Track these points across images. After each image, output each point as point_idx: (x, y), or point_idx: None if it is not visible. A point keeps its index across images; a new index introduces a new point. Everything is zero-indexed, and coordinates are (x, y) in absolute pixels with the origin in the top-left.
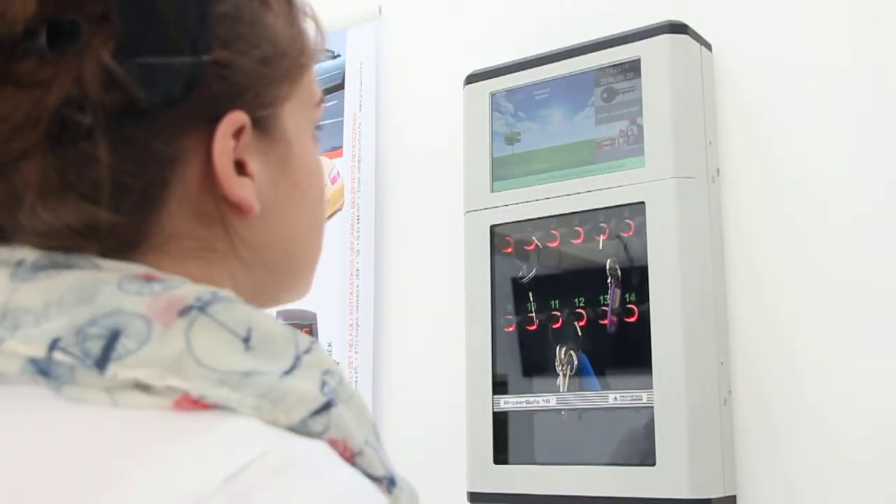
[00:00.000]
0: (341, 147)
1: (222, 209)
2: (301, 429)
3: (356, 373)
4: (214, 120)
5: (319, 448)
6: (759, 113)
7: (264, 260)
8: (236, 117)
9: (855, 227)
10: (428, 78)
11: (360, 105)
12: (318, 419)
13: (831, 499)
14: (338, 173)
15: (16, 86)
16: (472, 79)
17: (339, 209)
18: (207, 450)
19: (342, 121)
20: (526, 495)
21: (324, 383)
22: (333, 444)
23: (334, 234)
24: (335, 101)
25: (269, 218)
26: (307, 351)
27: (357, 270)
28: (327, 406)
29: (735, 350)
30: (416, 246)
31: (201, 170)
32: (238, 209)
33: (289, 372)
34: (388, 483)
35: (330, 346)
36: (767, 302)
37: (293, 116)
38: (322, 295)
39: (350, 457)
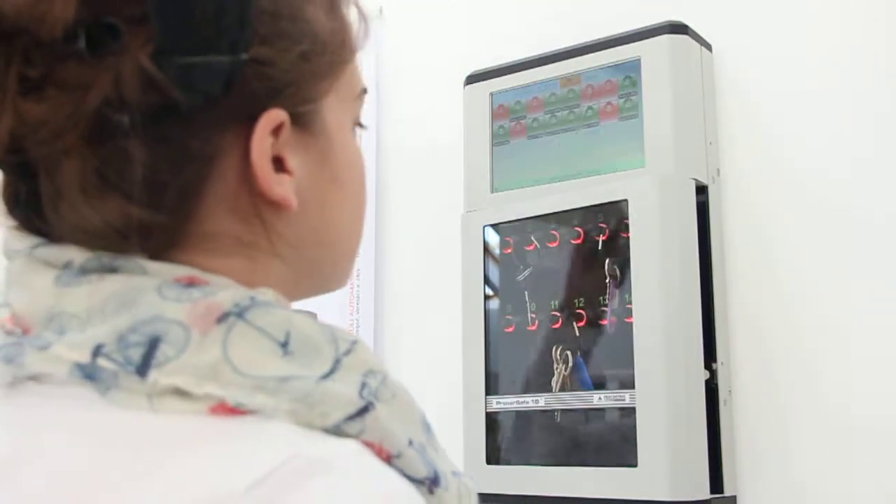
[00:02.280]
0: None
1: (260, 206)
2: (336, 432)
3: None
4: (253, 118)
5: (352, 448)
6: (760, 113)
7: (303, 254)
8: (275, 115)
9: (856, 226)
10: (428, 78)
11: None
12: (352, 424)
13: (832, 499)
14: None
15: (56, 88)
16: (472, 79)
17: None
18: (237, 453)
19: None
20: (512, 496)
21: (363, 385)
22: (369, 446)
23: None
24: None
25: (307, 213)
26: (347, 352)
27: (357, 270)
28: (364, 410)
29: (735, 350)
30: (416, 246)
31: (239, 167)
32: (276, 206)
33: (327, 376)
34: (430, 483)
35: None
36: (768, 302)
37: (333, 110)
38: (322, 295)
39: (387, 458)
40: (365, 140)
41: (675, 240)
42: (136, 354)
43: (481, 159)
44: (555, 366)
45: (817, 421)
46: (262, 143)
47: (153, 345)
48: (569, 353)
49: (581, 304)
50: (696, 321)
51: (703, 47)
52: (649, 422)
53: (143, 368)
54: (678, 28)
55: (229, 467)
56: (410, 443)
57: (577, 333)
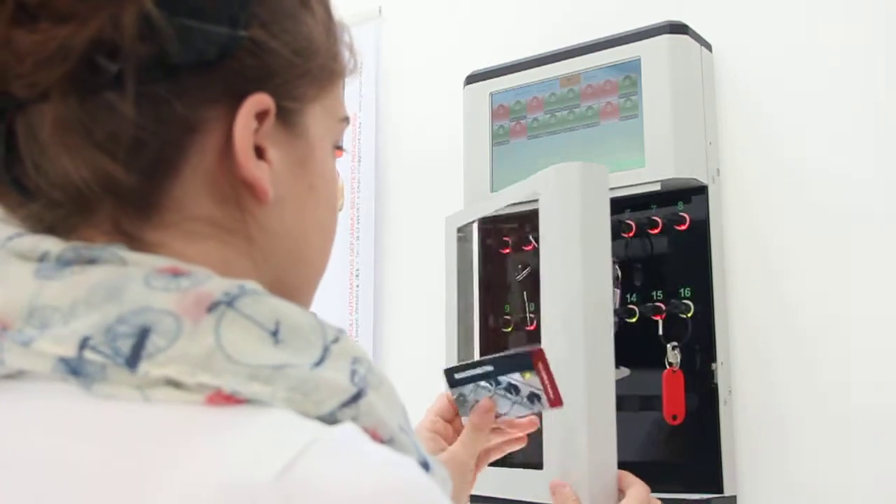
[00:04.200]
0: (341, 147)
1: (238, 190)
2: (330, 419)
3: None
4: (241, 97)
5: (356, 430)
6: (760, 113)
7: (279, 252)
8: (262, 99)
9: (855, 226)
10: (428, 78)
11: (360, 105)
12: (346, 410)
13: (831, 499)
14: (338, 173)
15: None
16: (472, 79)
17: (339, 209)
18: (255, 439)
19: None
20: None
21: (353, 372)
22: (364, 431)
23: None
24: None
25: (283, 209)
26: (335, 340)
27: (357, 270)
28: (357, 396)
29: (735, 350)
30: (415, 246)
31: (220, 146)
32: (253, 192)
33: (319, 363)
34: (422, 467)
35: None
36: (768, 302)
37: (317, 121)
38: (322, 295)
39: (380, 443)
40: (365, 140)
41: (578, 235)
42: (126, 346)
43: (481, 159)
44: None
45: (817, 421)
46: (246, 120)
47: (143, 335)
48: None
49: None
50: (606, 324)
51: (703, 47)
52: (555, 425)
53: (133, 360)
54: (678, 28)
55: (249, 455)
56: (400, 428)
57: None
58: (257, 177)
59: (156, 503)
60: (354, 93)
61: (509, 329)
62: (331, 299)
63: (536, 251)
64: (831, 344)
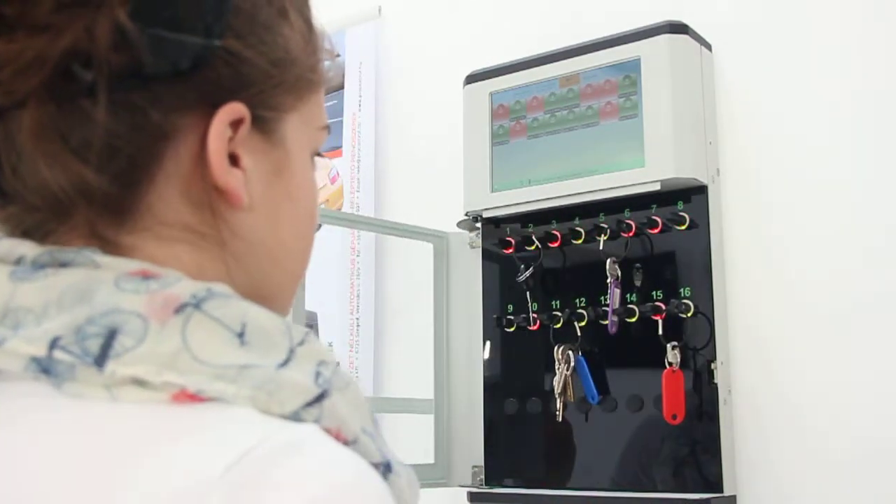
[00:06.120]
0: (341, 147)
1: (212, 197)
2: (294, 419)
3: (357, 373)
4: (215, 105)
5: (315, 431)
6: (759, 113)
7: (254, 257)
8: (237, 108)
9: (855, 226)
10: (428, 78)
11: (360, 105)
12: (310, 410)
13: (831, 498)
14: (337, 173)
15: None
16: (472, 79)
17: (339, 209)
18: (208, 439)
19: (342, 121)
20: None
21: (318, 374)
22: (327, 432)
23: (334, 234)
24: (335, 101)
25: (258, 216)
26: (301, 343)
27: (357, 270)
28: (320, 397)
29: (735, 350)
30: (415, 246)
31: (195, 153)
32: (227, 198)
33: (284, 364)
34: (383, 469)
35: (331, 345)
36: (768, 302)
37: (296, 130)
38: (323, 295)
39: (344, 444)
40: (364, 140)
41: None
42: (94, 346)
43: (481, 159)
44: (556, 365)
45: (817, 420)
46: (220, 129)
47: (111, 336)
48: (570, 352)
49: (583, 304)
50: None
51: (703, 47)
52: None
53: (101, 359)
54: (678, 28)
55: (203, 454)
56: (364, 430)
57: (579, 333)
58: (230, 184)
59: (121, 501)
60: (354, 93)
61: (511, 329)
62: (331, 299)
63: (538, 252)
64: (831, 343)
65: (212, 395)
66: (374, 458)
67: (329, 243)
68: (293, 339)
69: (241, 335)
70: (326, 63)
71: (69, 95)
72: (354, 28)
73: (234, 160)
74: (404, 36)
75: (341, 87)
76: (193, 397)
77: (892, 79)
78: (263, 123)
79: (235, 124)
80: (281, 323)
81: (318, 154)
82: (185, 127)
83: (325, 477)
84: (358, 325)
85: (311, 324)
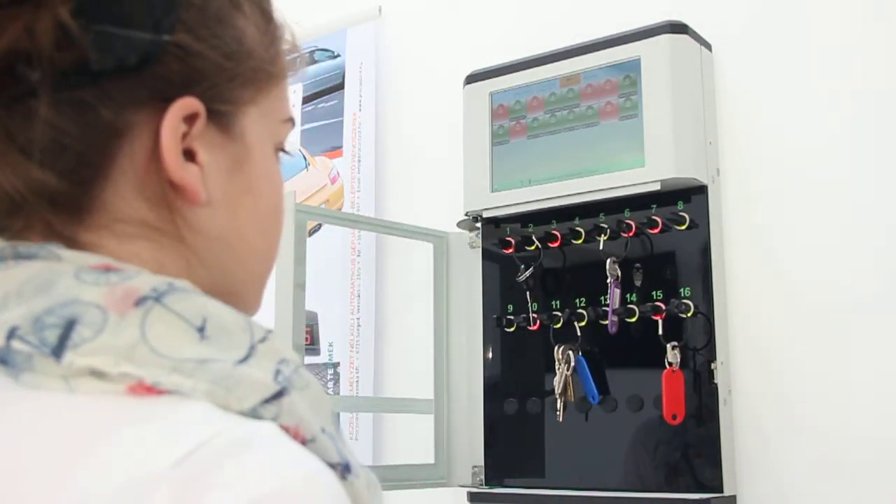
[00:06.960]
0: (341, 147)
1: (169, 193)
2: (252, 415)
3: (357, 373)
4: (168, 101)
5: (270, 429)
6: (759, 113)
7: (214, 253)
8: (190, 102)
9: (855, 226)
10: (428, 78)
11: (360, 105)
12: (269, 407)
13: (831, 498)
14: (338, 173)
15: None
16: (472, 79)
17: (339, 209)
18: (161, 432)
19: (342, 121)
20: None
21: (278, 372)
22: (285, 430)
23: (334, 234)
24: (335, 101)
25: (218, 212)
26: (262, 340)
27: (358, 270)
28: (279, 394)
29: (735, 350)
30: (416, 246)
31: (149, 149)
32: (183, 194)
33: (243, 360)
34: (342, 469)
35: (331, 346)
36: (768, 302)
37: (255, 123)
38: (323, 295)
39: (301, 442)
40: (364, 140)
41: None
42: (52, 336)
43: (481, 159)
44: (556, 365)
45: (817, 421)
46: (172, 124)
47: (69, 326)
48: (570, 352)
49: (583, 304)
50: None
51: (703, 47)
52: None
53: (58, 350)
54: (678, 28)
55: (151, 447)
56: (323, 430)
57: (579, 333)
58: (186, 179)
59: (71, 492)
60: (354, 92)
61: (511, 329)
62: (332, 299)
63: (538, 252)
64: (832, 343)
65: (168, 388)
66: (332, 458)
67: (329, 243)
68: (254, 336)
69: (201, 330)
70: (290, 55)
71: (16, 95)
72: (354, 28)
73: (190, 155)
74: (404, 36)
75: (341, 87)
76: (150, 389)
77: (892, 79)
78: (220, 117)
79: (190, 119)
80: (242, 319)
81: (282, 149)
82: (137, 123)
83: (274, 475)
84: (358, 325)
85: (312, 324)
